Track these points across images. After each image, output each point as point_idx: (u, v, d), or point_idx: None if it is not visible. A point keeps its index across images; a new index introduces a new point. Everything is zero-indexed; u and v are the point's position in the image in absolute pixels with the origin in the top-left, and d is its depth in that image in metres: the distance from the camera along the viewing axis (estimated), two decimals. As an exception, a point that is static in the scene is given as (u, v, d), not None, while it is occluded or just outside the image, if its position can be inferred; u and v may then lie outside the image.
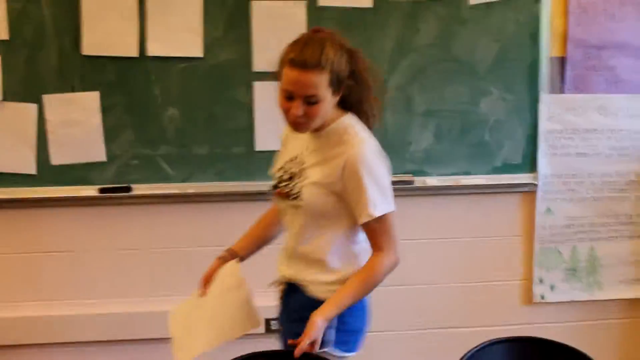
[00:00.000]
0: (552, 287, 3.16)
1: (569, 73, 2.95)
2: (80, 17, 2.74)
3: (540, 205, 3.08)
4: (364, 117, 1.92)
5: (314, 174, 1.91)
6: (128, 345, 3.00)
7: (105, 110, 2.82)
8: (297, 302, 1.99)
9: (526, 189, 3.07)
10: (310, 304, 1.91)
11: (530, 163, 3.03)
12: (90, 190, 2.86)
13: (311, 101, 1.79)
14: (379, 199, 1.86)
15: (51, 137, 2.82)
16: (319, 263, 1.95)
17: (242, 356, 1.83)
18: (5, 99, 2.76)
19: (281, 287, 2.07)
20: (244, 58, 2.83)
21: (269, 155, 2.82)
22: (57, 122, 2.82)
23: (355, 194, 1.86)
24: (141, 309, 2.96)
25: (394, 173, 2.89)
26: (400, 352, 3.16)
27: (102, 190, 2.86)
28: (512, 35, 2.91)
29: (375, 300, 3.03)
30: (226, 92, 2.88)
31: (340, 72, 1.80)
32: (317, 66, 1.75)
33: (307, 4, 2.80)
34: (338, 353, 1.94)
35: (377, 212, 1.85)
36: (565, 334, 2.15)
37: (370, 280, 1.88)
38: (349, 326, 1.95)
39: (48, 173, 2.85)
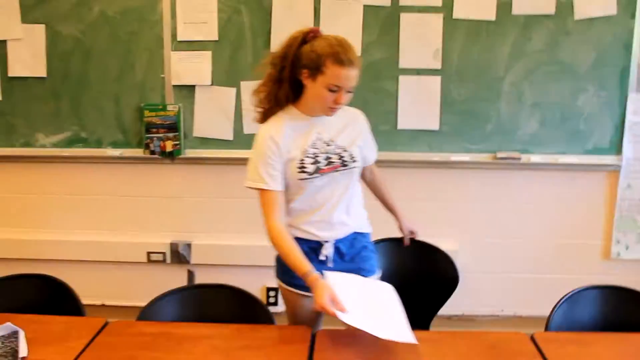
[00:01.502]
0: (627, 247, 3.34)
1: (654, 76, 3.08)
2: (271, 24, 3.11)
3: (622, 182, 3.24)
4: None
5: (349, 140, 2.09)
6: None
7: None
8: (357, 245, 2.17)
9: (611, 168, 3.24)
10: (365, 238, 2.21)
11: (616, 148, 3.19)
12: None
13: (350, 91, 1.96)
14: None
15: (245, 113, 3.21)
16: (361, 203, 2.21)
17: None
18: (213, 83, 3.20)
19: (330, 248, 2.13)
20: (393, 57, 3.11)
21: (409, 133, 3.13)
22: (250, 101, 2.96)
23: (370, 139, 2.22)
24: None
25: (505, 151, 3.17)
26: (502, 291, 3.41)
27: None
28: (608, 45, 3.07)
29: (485, 249, 3.33)
30: (377, 83, 3.14)
31: None
32: (358, 63, 1.93)
33: (444, 16, 3.07)
34: None
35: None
36: (636, 286, 2.22)
37: None
38: None
39: (241, 139, 3.24)
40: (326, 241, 2.13)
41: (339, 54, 1.89)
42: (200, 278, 3.48)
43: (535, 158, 3.24)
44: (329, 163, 2.05)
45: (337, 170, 2.07)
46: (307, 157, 2.04)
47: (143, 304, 2.16)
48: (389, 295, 1.99)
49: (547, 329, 2.11)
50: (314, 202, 2.08)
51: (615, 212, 3.32)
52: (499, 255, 3.41)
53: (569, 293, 2.17)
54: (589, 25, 3.08)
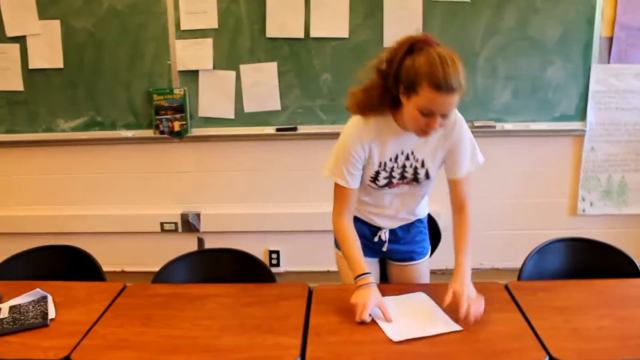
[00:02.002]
0: (591, 204, 3.35)
1: (614, 49, 3.09)
2: (266, 11, 3.09)
3: (586, 145, 3.26)
4: None
5: (432, 153, 1.83)
6: (295, 233, 3.43)
7: (281, 75, 3.17)
8: (413, 230, 2.09)
9: (577, 133, 3.25)
10: (422, 224, 2.11)
11: (581, 114, 3.19)
12: (270, 130, 3.25)
13: (446, 115, 1.63)
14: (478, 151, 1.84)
15: (244, 94, 3.21)
16: (424, 198, 2.07)
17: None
18: (215, 68, 3.20)
19: (385, 234, 2.05)
20: (377, 38, 3.09)
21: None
22: (249, 83, 3.20)
23: (462, 151, 1.82)
24: (302, 209, 3.38)
25: (481, 120, 3.18)
26: (480, 246, 3.03)
27: (277, 130, 3.23)
28: (573, 20, 3.05)
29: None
30: (364, 62, 3.06)
31: None
32: (459, 89, 1.57)
33: (423, -2, 3.06)
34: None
35: (480, 160, 1.86)
36: (599, 238, 2.24)
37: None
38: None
39: (242, 118, 3.25)
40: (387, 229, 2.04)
41: (437, 76, 1.53)
42: (209, 244, 3.49)
43: (508, 126, 3.25)
44: (402, 177, 1.87)
45: (407, 185, 1.91)
46: (384, 170, 1.85)
47: (157, 268, 2.17)
48: (423, 301, 1.88)
49: (519, 278, 2.14)
50: (381, 202, 1.97)
51: (580, 172, 3.34)
52: (477, 214, 3.06)
53: (538, 246, 2.20)
54: (555, 3, 3.06)
